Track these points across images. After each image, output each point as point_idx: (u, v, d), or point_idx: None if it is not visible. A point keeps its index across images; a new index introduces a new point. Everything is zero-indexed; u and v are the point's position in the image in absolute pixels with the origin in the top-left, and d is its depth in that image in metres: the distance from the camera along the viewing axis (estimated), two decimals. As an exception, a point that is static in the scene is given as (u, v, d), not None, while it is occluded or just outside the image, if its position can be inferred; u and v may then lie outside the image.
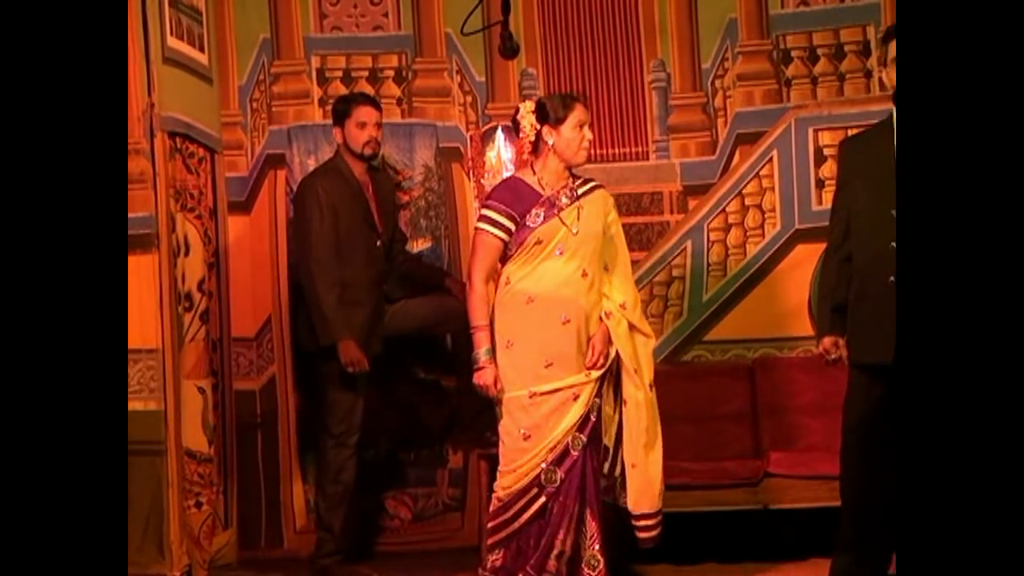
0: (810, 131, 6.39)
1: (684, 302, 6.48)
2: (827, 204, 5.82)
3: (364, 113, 5.87)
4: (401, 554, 6.25)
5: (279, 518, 6.40)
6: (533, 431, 4.96)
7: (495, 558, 5.02)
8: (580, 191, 5.06)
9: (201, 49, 6.10)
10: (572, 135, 4.98)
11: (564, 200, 5.01)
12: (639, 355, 5.06)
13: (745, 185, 6.47)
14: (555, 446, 4.96)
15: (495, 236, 4.98)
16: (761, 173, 6.45)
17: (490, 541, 5.03)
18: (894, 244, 4.44)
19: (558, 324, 4.97)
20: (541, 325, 4.97)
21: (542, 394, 4.95)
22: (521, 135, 5.03)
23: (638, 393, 5.03)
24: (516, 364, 5.00)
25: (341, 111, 5.90)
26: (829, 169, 6.28)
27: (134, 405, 5.18)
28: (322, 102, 6.47)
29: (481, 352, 4.96)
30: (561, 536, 4.96)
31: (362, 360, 5.72)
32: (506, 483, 5.00)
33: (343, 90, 6.47)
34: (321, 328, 5.72)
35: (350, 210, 5.81)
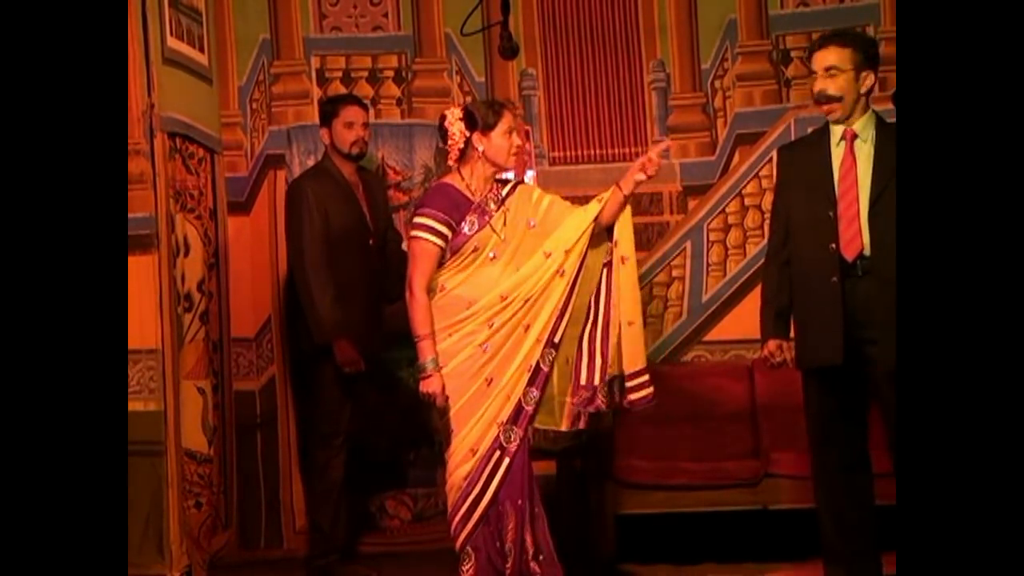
0: (809, 131, 6.06)
1: (684, 302, 6.50)
2: None
3: (351, 113, 5.88)
4: (401, 554, 6.26)
5: (279, 518, 6.41)
6: (478, 444, 4.93)
7: (467, 568, 4.97)
8: (504, 193, 5.07)
9: (201, 49, 6.09)
10: (502, 142, 4.98)
11: (492, 206, 5.02)
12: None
13: (745, 185, 6.48)
14: (509, 396, 4.92)
15: (434, 244, 4.95)
16: (761, 174, 6.46)
17: (463, 535, 4.96)
18: (834, 246, 4.69)
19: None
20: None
21: (488, 339, 4.93)
22: (449, 142, 5.02)
23: (632, 249, 5.09)
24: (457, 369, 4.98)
25: (328, 112, 5.93)
26: None
27: (134, 406, 5.16)
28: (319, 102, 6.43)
29: (428, 361, 4.92)
30: (529, 538, 4.97)
31: (358, 360, 5.73)
32: (466, 445, 4.95)
33: (343, 91, 6.48)
34: (316, 328, 5.73)
35: (340, 210, 5.82)
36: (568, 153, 6.56)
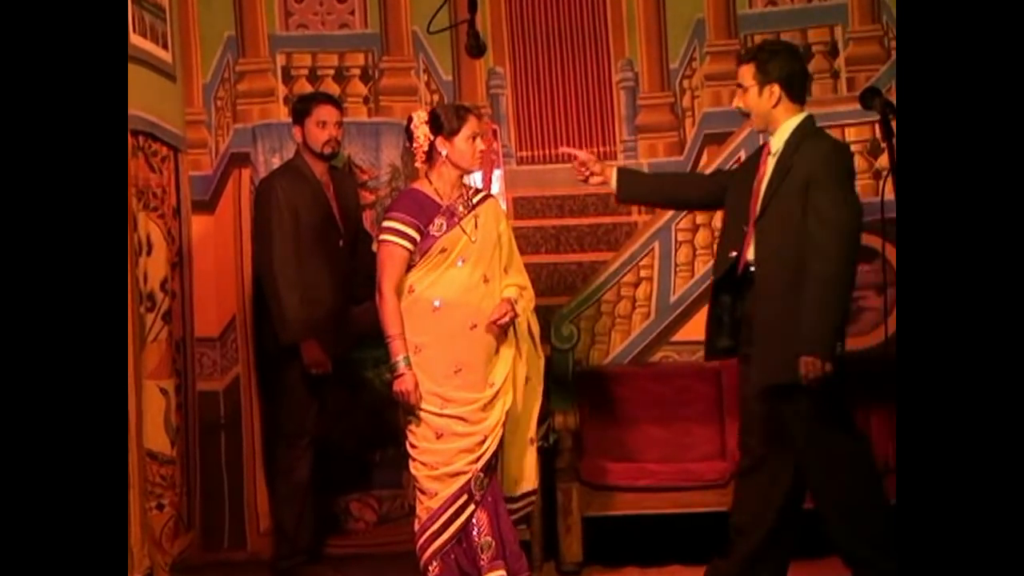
0: None
1: (652, 303, 6.48)
2: None
3: (324, 112, 5.85)
4: (366, 556, 6.24)
5: (242, 520, 6.38)
6: (444, 430, 5.03)
7: (433, 570, 5.07)
8: (474, 200, 5.13)
9: (165, 47, 6.06)
10: (465, 147, 5.05)
11: (461, 209, 5.08)
12: (535, 337, 5.20)
13: (713, 186, 6.45)
14: (484, 441, 5.03)
15: (402, 247, 5.02)
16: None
17: (428, 552, 5.08)
18: (734, 253, 4.80)
19: (465, 330, 5.04)
20: (449, 331, 5.03)
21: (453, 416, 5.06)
22: (414, 145, 5.09)
23: (540, 362, 5.19)
24: (426, 368, 5.05)
25: (301, 110, 5.89)
26: None
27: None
28: (287, 100, 6.43)
29: (400, 360, 5.01)
30: (496, 535, 5.09)
31: (325, 361, 5.72)
32: (432, 489, 5.06)
33: (309, 88, 6.45)
34: (282, 328, 5.71)
35: (310, 210, 5.80)
36: (536, 152, 6.54)
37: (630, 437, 6.07)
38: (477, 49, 5.80)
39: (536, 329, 5.23)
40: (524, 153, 6.56)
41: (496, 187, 6.22)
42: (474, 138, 5.05)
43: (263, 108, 6.51)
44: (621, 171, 5.18)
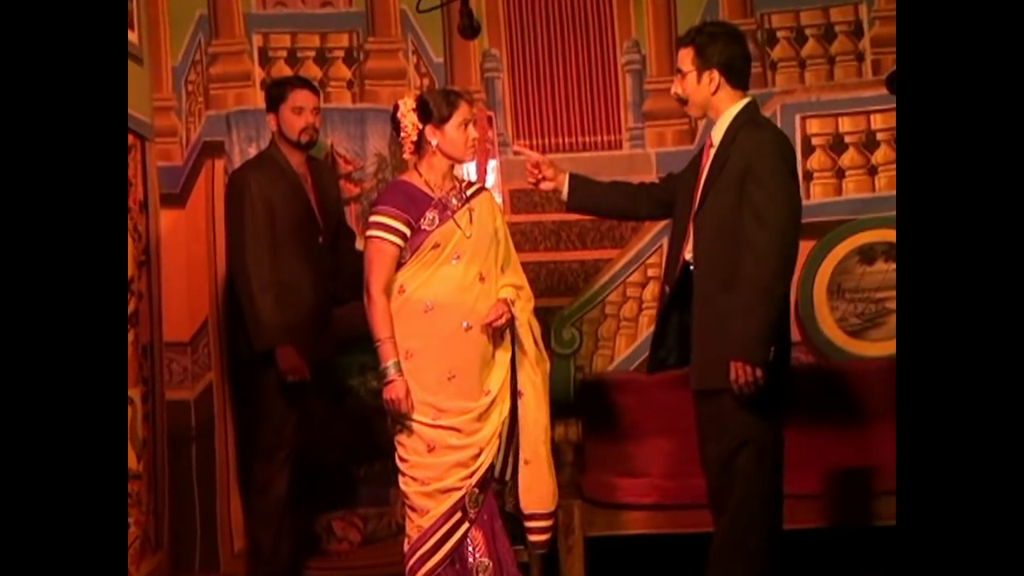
0: (797, 118, 6.34)
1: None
2: (816, 198, 6.25)
3: (301, 97, 5.75)
4: (350, 580, 6.18)
5: (215, 540, 6.28)
6: (436, 443, 4.96)
7: None
8: (468, 193, 5.09)
9: (131, 27, 5.93)
10: (457, 135, 4.98)
11: (455, 202, 5.03)
12: (537, 340, 5.11)
13: (726, 177, 6.40)
14: (479, 455, 4.98)
15: (392, 243, 4.93)
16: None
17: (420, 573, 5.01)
18: (686, 256, 4.77)
19: (460, 332, 4.96)
20: (441, 334, 4.94)
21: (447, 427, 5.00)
22: (401, 134, 5.03)
23: (535, 377, 5.07)
24: (416, 375, 4.95)
25: (275, 95, 5.80)
26: (818, 160, 6.30)
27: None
28: (264, 85, 6.29)
29: (389, 365, 4.92)
30: (493, 556, 5.05)
31: (302, 368, 5.63)
32: (423, 506, 4.98)
33: (288, 72, 6.34)
34: (256, 333, 5.64)
35: (287, 204, 5.72)
36: (534, 141, 6.41)
37: (637, 450, 5.97)
38: (471, 29, 5.72)
39: (538, 332, 5.14)
40: (521, 142, 6.42)
41: (491, 179, 6.16)
42: (466, 125, 4.97)
43: (238, 93, 6.39)
44: (574, 177, 5.11)
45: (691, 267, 4.74)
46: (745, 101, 4.74)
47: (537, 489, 5.06)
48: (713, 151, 4.74)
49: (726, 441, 4.66)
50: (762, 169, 4.57)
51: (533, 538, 5.10)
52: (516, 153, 5.21)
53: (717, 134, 4.75)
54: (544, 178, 5.05)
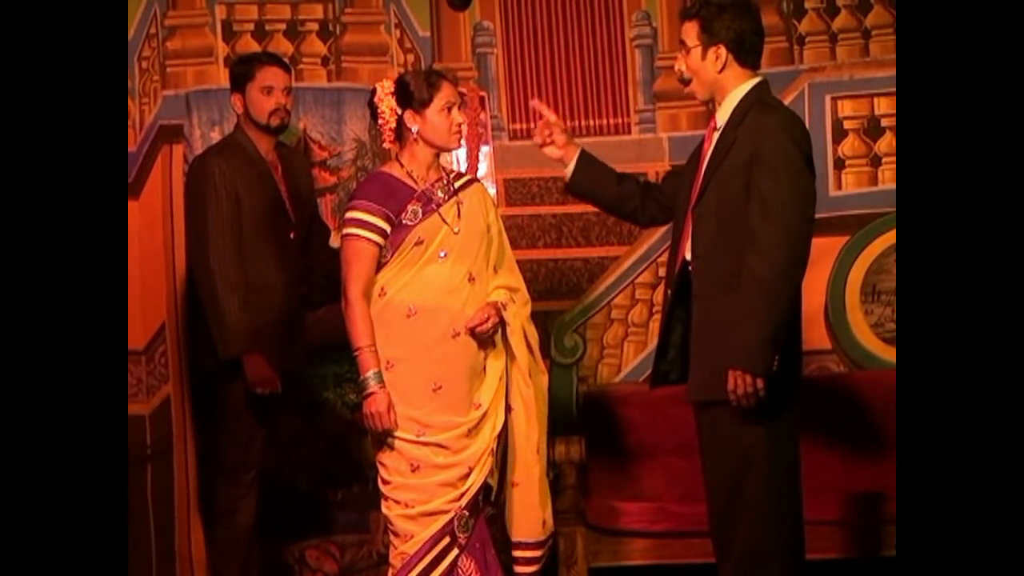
0: (827, 99, 6.18)
1: (672, 309, 6.40)
2: (848, 187, 6.09)
3: (270, 75, 5.58)
4: (325, 616, 6.09)
5: (172, 571, 6.12)
6: (421, 462, 4.83)
7: None
8: (457, 184, 4.97)
9: None
10: (439, 120, 4.85)
11: (441, 194, 4.90)
12: (533, 349, 5.00)
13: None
14: (468, 475, 4.84)
15: (370, 241, 4.78)
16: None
17: None
18: (688, 260, 4.63)
19: (447, 339, 4.81)
20: (426, 341, 4.79)
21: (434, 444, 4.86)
22: (379, 121, 4.92)
23: (527, 391, 4.94)
24: (399, 387, 4.78)
25: (241, 74, 5.63)
26: (851, 146, 6.14)
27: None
28: (228, 61, 6.11)
29: (370, 376, 4.77)
30: None
31: (272, 378, 5.47)
32: (407, 531, 4.82)
33: (255, 47, 6.18)
34: (220, 339, 5.48)
35: (255, 195, 5.55)
36: (532, 125, 5.90)
37: (646, 472, 5.89)
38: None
39: (535, 340, 4.98)
40: (517, 126, 6.33)
41: (483, 168, 6.06)
42: (449, 109, 4.82)
43: (199, 71, 6.24)
44: (585, 154, 4.93)
45: (688, 265, 4.63)
46: (755, 81, 4.56)
47: (526, 515, 4.94)
48: (717, 135, 4.59)
49: (725, 460, 4.51)
50: (771, 154, 4.41)
51: (520, 569, 4.96)
52: (534, 110, 5.01)
53: (722, 116, 4.59)
54: (553, 143, 4.85)
